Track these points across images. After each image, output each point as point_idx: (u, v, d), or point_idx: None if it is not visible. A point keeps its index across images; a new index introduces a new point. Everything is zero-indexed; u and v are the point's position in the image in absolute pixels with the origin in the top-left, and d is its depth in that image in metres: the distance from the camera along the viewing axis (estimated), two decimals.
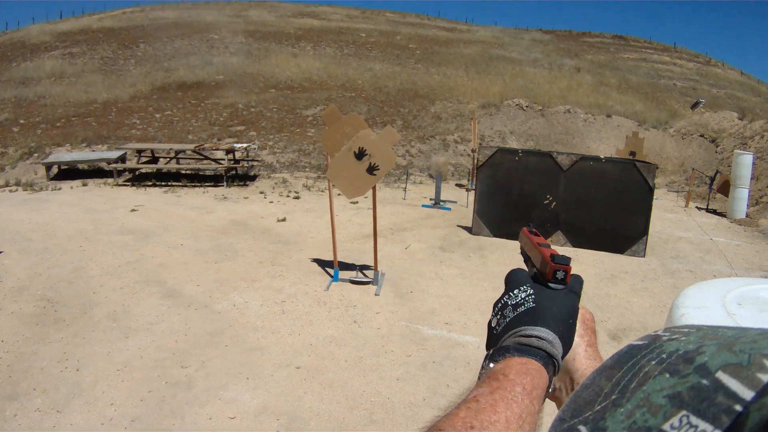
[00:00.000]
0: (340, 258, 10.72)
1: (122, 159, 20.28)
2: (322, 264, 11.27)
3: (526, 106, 32.29)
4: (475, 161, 17.75)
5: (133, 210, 15.22)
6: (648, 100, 41.32)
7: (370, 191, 10.10)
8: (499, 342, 1.13)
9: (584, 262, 13.13)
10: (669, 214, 19.97)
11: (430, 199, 18.25)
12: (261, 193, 18.10)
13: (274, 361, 7.31)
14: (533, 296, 1.16)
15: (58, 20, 59.49)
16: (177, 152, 20.90)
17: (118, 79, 34.53)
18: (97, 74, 35.55)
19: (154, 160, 21.13)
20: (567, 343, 1.13)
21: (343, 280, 10.35)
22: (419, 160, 24.43)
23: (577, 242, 14.29)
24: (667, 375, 0.63)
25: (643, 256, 13.99)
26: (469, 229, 14.97)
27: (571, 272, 1.19)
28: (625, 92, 42.55)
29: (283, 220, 14.81)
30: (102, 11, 65.39)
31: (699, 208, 22.64)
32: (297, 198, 17.61)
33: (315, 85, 34.33)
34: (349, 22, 63.75)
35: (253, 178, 20.16)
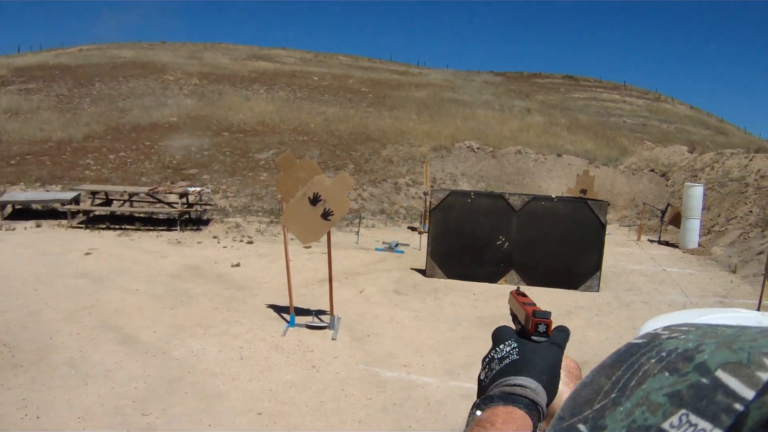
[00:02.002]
0: (295, 303, 10.73)
1: (76, 200, 20.12)
2: (278, 309, 11.30)
3: (477, 148, 32.53)
4: (428, 204, 17.86)
5: (87, 253, 15.13)
6: (598, 138, 41.80)
7: (325, 236, 10.18)
8: (486, 392, 1.19)
9: (539, 299, 13.06)
10: (621, 249, 20.30)
11: (383, 243, 18.37)
12: (214, 237, 18.05)
13: (235, 407, 7.35)
14: (517, 349, 1.23)
15: (15, 54, 58.98)
16: (131, 195, 20.82)
17: (73, 117, 34.29)
18: (53, 112, 35.29)
19: (108, 202, 21.01)
20: (551, 390, 1.18)
21: (300, 325, 10.39)
22: (371, 203, 24.52)
23: (531, 281, 14.47)
24: (667, 373, 0.64)
25: (598, 291, 14.28)
26: (422, 272, 15.07)
27: (553, 325, 1.28)
28: (575, 132, 43.01)
29: (237, 265, 14.78)
30: (60, 48, 65.06)
31: (651, 241, 23.11)
32: (250, 243, 17.56)
33: (268, 128, 34.29)
34: (303, 65, 63.83)
35: (207, 222, 20.12)
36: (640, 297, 14.02)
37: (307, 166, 10.16)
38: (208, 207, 21.54)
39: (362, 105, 45.23)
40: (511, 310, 1.48)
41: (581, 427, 0.68)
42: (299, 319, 10.57)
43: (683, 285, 15.54)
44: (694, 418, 0.56)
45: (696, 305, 13.59)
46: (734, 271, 17.57)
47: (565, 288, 14.21)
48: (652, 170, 32.61)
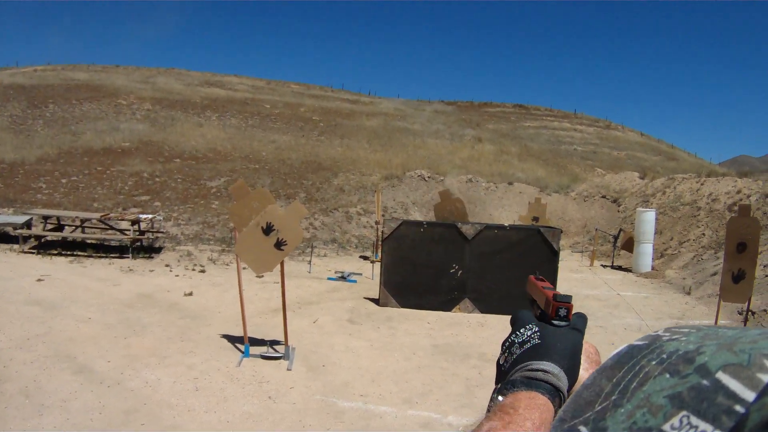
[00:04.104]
0: (249, 333, 10.68)
1: (28, 225, 19.87)
2: (232, 339, 11.27)
3: (428, 177, 32.71)
4: (380, 233, 17.92)
5: (39, 279, 14.96)
6: (549, 166, 42.25)
7: (278, 265, 10.20)
8: (507, 377, 1.20)
9: (494, 327, 13.42)
10: (575, 274, 20.59)
11: (336, 272, 18.42)
12: (167, 266, 17.95)
13: None
14: (538, 333, 1.23)
15: None
16: (83, 221, 20.63)
17: (27, 139, 34.06)
18: (6, 132, 35.00)
19: (59, 227, 20.76)
20: (572, 376, 1.18)
21: (254, 356, 10.37)
22: (323, 232, 24.52)
23: (485, 309, 14.62)
24: (668, 375, 0.64)
25: None
26: (376, 301, 15.13)
27: (573, 311, 1.28)
28: (526, 160, 43.41)
29: (190, 294, 14.70)
30: (15, 66, 64.67)
31: (604, 266, 23.53)
32: (203, 271, 17.52)
33: (219, 156, 34.26)
34: (255, 92, 63.87)
35: (159, 250, 19.99)
36: (595, 322, 14.18)
37: (260, 195, 10.18)
38: (159, 234, 21.41)
39: (314, 134, 45.42)
40: (529, 294, 1.48)
41: (582, 428, 0.69)
42: (254, 350, 10.55)
43: (638, 308, 15.82)
44: (695, 420, 0.57)
45: (652, 328, 13.80)
46: (689, 293, 17.93)
47: None
48: (604, 196, 33.10)
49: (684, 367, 0.63)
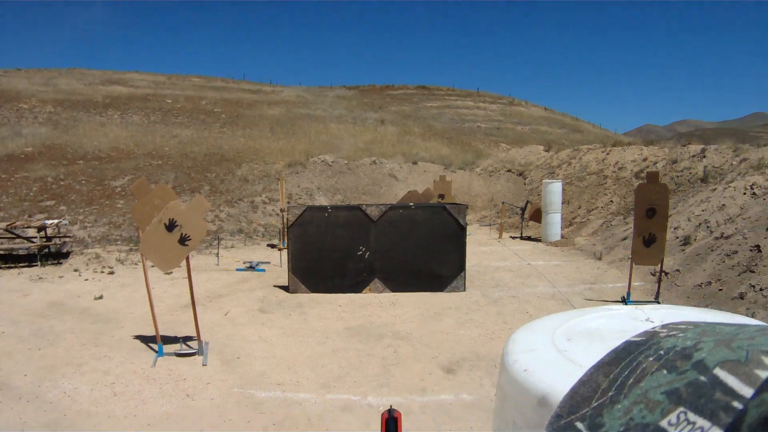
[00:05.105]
0: (161, 331, 10.69)
1: None
2: (145, 340, 11.29)
3: (332, 162, 32.89)
4: (285, 221, 18.01)
5: None
6: (453, 144, 42.68)
7: (184, 261, 10.29)
8: None
9: (405, 304, 13.72)
10: (484, 248, 21.00)
11: (244, 262, 18.48)
12: (75, 270, 17.76)
13: None
14: None
15: None
16: None
17: None
18: None
19: None
20: None
21: (168, 354, 10.42)
22: (229, 224, 24.48)
23: (396, 287, 14.94)
24: (665, 371, 0.66)
25: (464, 290, 14.83)
26: (286, 288, 15.29)
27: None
28: (429, 139, 43.77)
29: (100, 297, 14.62)
30: None
31: (513, 238, 24.11)
32: (111, 273, 17.41)
33: (122, 154, 33.80)
34: (156, 88, 63.24)
35: (67, 255, 19.73)
36: (508, 292, 14.64)
37: (161, 192, 10.19)
38: (67, 239, 21.14)
39: (216, 126, 45.23)
40: None
41: (579, 425, 0.71)
42: (167, 348, 10.60)
43: (550, 276, 16.32)
44: (692, 416, 0.60)
45: (565, 294, 14.24)
46: (600, 258, 18.56)
47: (432, 291, 14.70)
48: (509, 170, 33.71)
49: (681, 363, 0.67)
